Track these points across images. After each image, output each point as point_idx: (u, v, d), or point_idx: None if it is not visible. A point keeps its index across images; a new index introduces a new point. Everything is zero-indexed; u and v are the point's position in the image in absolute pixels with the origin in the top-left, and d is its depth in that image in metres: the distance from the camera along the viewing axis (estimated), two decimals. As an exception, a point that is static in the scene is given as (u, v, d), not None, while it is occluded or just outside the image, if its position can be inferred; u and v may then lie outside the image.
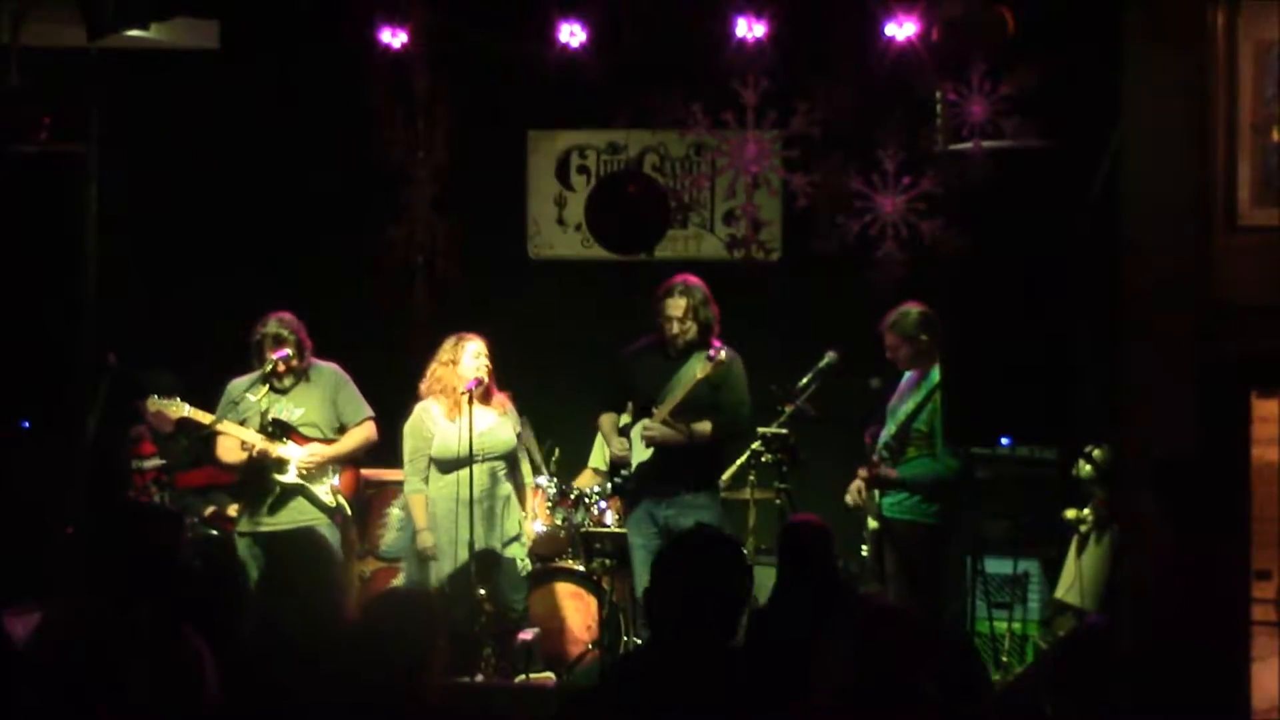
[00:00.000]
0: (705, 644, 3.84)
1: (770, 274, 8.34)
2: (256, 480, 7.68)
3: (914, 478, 7.48)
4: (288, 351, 7.62)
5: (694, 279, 7.63)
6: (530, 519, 8.00)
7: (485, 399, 7.82)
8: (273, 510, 7.66)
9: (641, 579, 7.66)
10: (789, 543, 6.32)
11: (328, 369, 7.80)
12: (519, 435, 7.94)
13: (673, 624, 3.88)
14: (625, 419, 7.99)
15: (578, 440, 8.77)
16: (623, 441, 7.81)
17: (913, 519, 7.50)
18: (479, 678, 7.64)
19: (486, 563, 7.81)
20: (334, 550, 7.64)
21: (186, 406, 7.74)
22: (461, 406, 7.71)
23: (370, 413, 7.81)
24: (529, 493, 8.03)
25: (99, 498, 7.77)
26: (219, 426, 7.60)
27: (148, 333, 8.60)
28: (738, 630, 3.96)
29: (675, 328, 7.57)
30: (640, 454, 7.72)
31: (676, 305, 7.55)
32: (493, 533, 7.79)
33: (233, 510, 8.23)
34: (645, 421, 7.66)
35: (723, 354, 7.43)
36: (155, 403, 7.83)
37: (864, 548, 7.69)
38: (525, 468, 8.02)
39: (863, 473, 7.61)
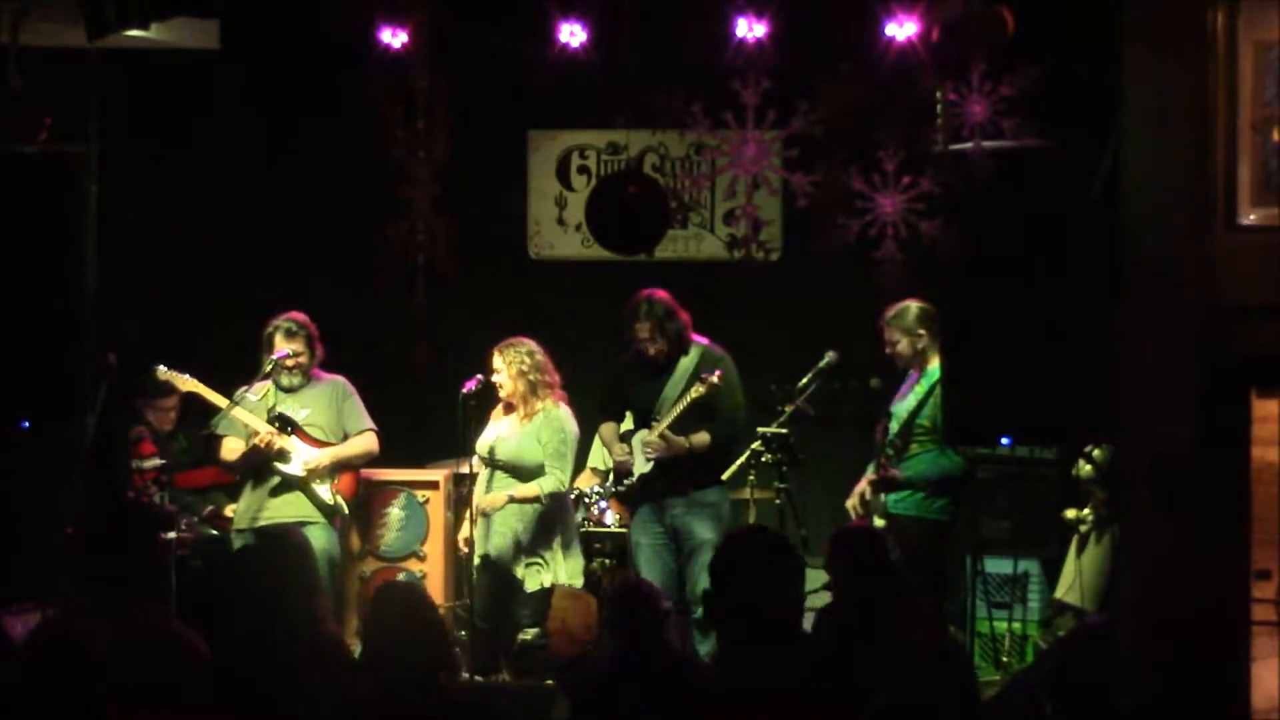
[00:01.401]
0: (768, 642, 3.88)
1: (770, 274, 8.33)
2: (258, 474, 7.70)
3: (920, 474, 7.49)
4: (288, 350, 7.64)
5: (658, 293, 7.69)
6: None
7: (508, 406, 7.84)
8: (271, 505, 7.68)
9: (644, 578, 7.68)
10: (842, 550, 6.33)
11: (335, 380, 7.87)
12: (546, 445, 7.82)
13: (735, 623, 3.91)
14: (626, 426, 8.01)
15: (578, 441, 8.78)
16: (624, 448, 7.83)
17: (918, 515, 7.50)
18: (479, 678, 7.65)
19: (486, 572, 7.81)
20: (314, 553, 7.66)
21: (195, 381, 7.78)
22: (496, 413, 7.84)
23: (372, 425, 7.84)
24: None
25: (99, 498, 7.76)
26: (232, 413, 7.62)
27: (148, 333, 8.59)
28: (797, 629, 4.01)
29: (649, 349, 7.68)
30: (642, 465, 7.76)
31: (642, 328, 7.66)
32: (493, 539, 7.78)
33: (230, 510, 8.23)
34: (644, 435, 7.71)
35: (714, 378, 7.50)
36: (164, 372, 7.86)
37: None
38: (549, 480, 7.83)
39: (870, 476, 7.60)
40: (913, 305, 7.55)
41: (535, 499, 7.80)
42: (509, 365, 7.77)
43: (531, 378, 7.77)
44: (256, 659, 4.63)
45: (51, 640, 4.31)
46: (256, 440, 7.61)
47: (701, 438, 7.67)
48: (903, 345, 7.57)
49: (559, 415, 7.82)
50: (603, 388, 8.05)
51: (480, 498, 7.79)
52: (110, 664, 4.26)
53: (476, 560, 7.79)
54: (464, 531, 8.01)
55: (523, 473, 7.80)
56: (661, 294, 7.71)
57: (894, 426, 7.59)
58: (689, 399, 7.56)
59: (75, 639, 4.25)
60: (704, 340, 7.78)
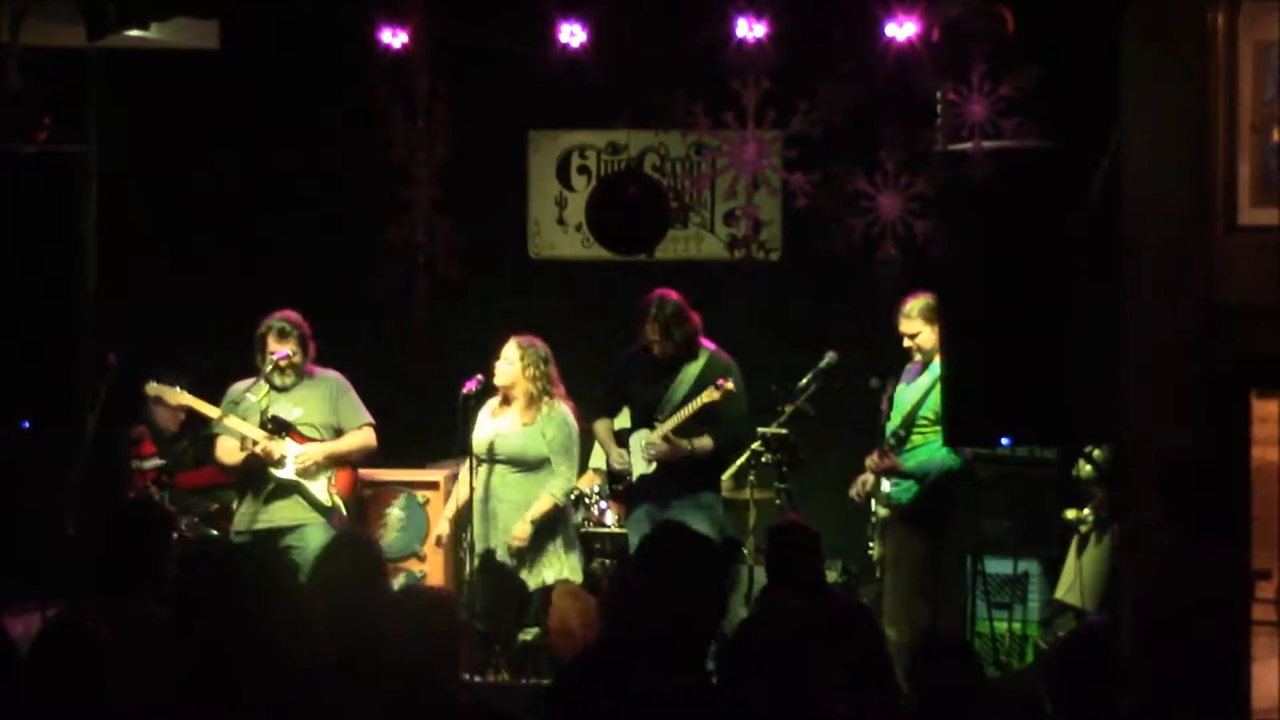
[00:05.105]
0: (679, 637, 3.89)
1: (770, 274, 8.33)
2: (255, 478, 7.70)
3: (921, 465, 7.47)
4: (287, 351, 7.64)
5: (669, 294, 7.69)
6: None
7: (505, 400, 7.84)
8: (268, 508, 7.67)
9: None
10: (773, 545, 6.34)
11: (330, 375, 7.85)
12: (552, 442, 7.80)
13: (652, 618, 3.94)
14: (621, 423, 8.01)
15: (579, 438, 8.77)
16: (621, 453, 7.84)
17: (919, 505, 7.47)
18: (478, 678, 7.65)
19: (486, 572, 7.83)
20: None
21: (186, 394, 7.77)
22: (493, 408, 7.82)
23: (370, 419, 7.83)
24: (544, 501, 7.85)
25: (99, 498, 7.77)
26: (225, 422, 7.61)
27: (148, 333, 8.59)
28: (716, 624, 4.03)
29: (655, 349, 7.68)
30: (640, 466, 7.76)
31: (650, 329, 7.65)
32: (494, 535, 7.80)
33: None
34: (646, 436, 7.71)
35: (729, 385, 7.49)
36: (155, 388, 7.86)
37: (870, 544, 7.68)
38: (558, 483, 7.83)
39: (871, 462, 7.58)
40: (923, 296, 7.55)
41: (553, 507, 7.80)
42: (523, 360, 7.76)
43: (540, 383, 7.78)
44: (253, 658, 4.62)
45: (58, 639, 4.31)
46: (253, 448, 7.60)
47: (704, 442, 7.67)
48: (924, 335, 7.54)
49: (563, 410, 7.84)
50: (604, 380, 8.04)
51: (515, 533, 7.74)
52: (114, 662, 4.26)
53: (476, 560, 7.79)
54: (442, 527, 8.04)
55: (526, 467, 7.81)
56: (673, 295, 7.71)
57: (896, 418, 7.59)
58: (698, 404, 7.56)
59: (82, 637, 4.26)
60: (711, 345, 7.77)
